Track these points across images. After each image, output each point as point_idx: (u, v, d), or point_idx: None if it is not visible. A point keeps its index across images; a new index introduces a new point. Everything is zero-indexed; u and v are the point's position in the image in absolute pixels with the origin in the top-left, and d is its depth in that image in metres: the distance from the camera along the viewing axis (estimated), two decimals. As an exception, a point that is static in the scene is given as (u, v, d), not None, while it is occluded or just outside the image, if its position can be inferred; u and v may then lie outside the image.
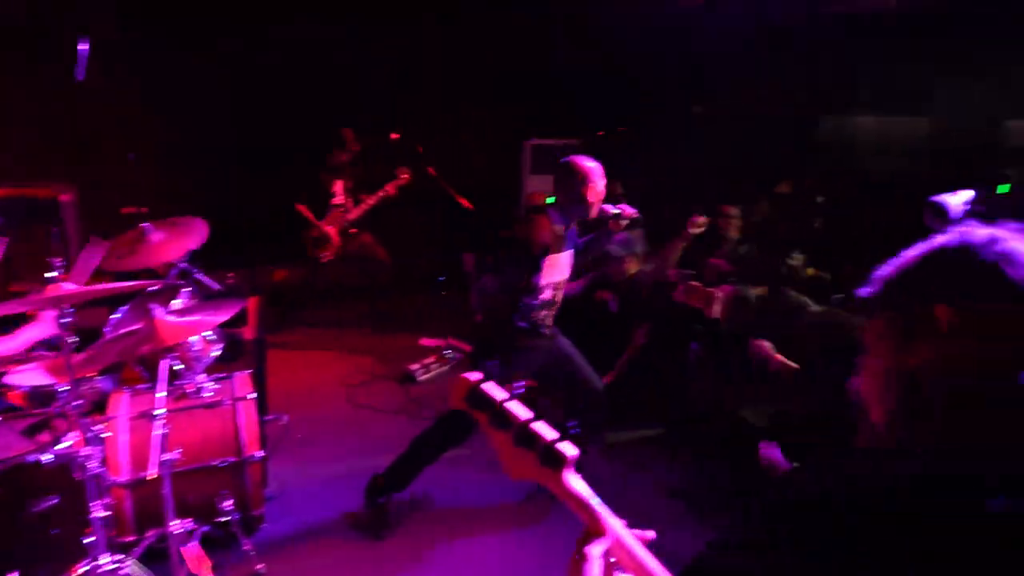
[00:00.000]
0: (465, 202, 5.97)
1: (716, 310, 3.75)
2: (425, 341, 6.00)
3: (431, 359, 5.41)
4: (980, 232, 0.96)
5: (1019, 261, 0.91)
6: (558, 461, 1.10)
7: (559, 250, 3.37)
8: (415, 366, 5.28)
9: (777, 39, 8.16)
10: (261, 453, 3.07)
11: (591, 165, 3.32)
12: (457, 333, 5.87)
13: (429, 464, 3.48)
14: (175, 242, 3.33)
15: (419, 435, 3.51)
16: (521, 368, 3.55)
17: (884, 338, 0.99)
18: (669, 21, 7.21)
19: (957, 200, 1.44)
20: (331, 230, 5.95)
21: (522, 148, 7.48)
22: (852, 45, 8.67)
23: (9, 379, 2.90)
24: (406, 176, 6.00)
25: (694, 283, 3.97)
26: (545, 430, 1.12)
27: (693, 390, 4.26)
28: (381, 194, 6.01)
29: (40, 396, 3.00)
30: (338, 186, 6.07)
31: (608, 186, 6.46)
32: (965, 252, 0.94)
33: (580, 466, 1.11)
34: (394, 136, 5.76)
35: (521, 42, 7.29)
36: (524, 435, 1.12)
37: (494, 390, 1.17)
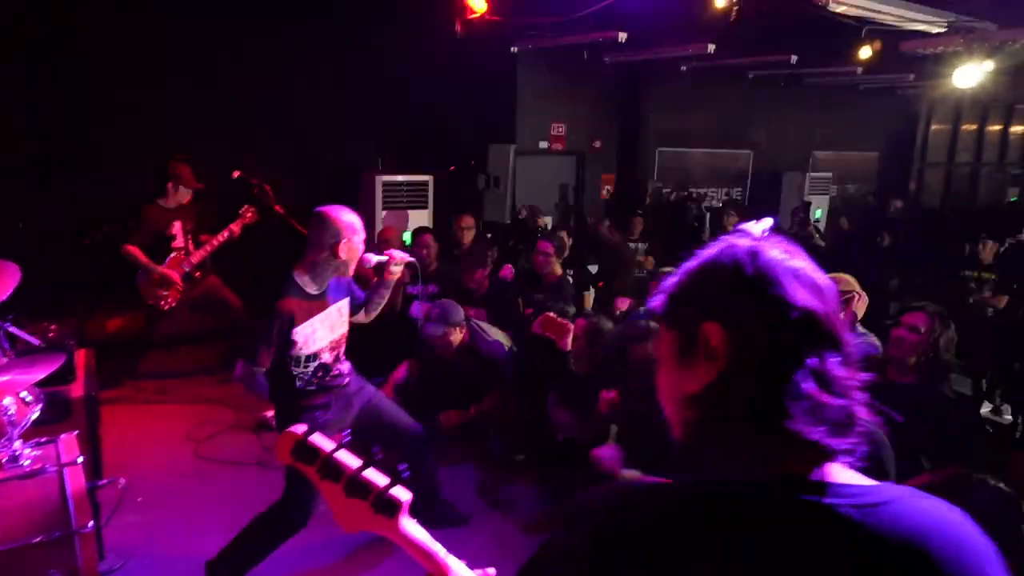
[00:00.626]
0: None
1: (568, 343, 3.81)
2: (280, 386, 5.72)
3: (287, 404, 5.14)
4: (743, 243, 0.95)
5: (777, 277, 0.90)
6: (392, 508, 1.08)
7: (319, 310, 3.06)
8: (270, 412, 4.99)
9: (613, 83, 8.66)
10: (92, 524, 2.76)
11: (348, 219, 3.03)
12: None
13: (267, 554, 3.11)
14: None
15: (253, 520, 3.14)
16: (332, 421, 3.22)
17: (668, 356, 0.98)
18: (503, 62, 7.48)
19: (759, 228, 1.56)
20: (172, 274, 5.54)
21: (372, 183, 7.41)
22: (679, 88, 9.44)
23: None
24: (251, 214, 5.66)
25: (550, 314, 4.04)
26: (377, 477, 1.10)
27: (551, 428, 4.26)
28: (225, 235, 5.63)
29: None
30: (176, 227, 5.66)
31: (460, 220, 6.56)
32: (730, 267, 0.93)
33: (423, 507, 1.10)
34: (236, 173, 5.45)
35: (369, 79, 7.28)
36: (355, 484, 1.09)
37: (322, 441, 1.13)
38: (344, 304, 3.23)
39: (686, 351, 0.94)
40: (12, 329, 3.19)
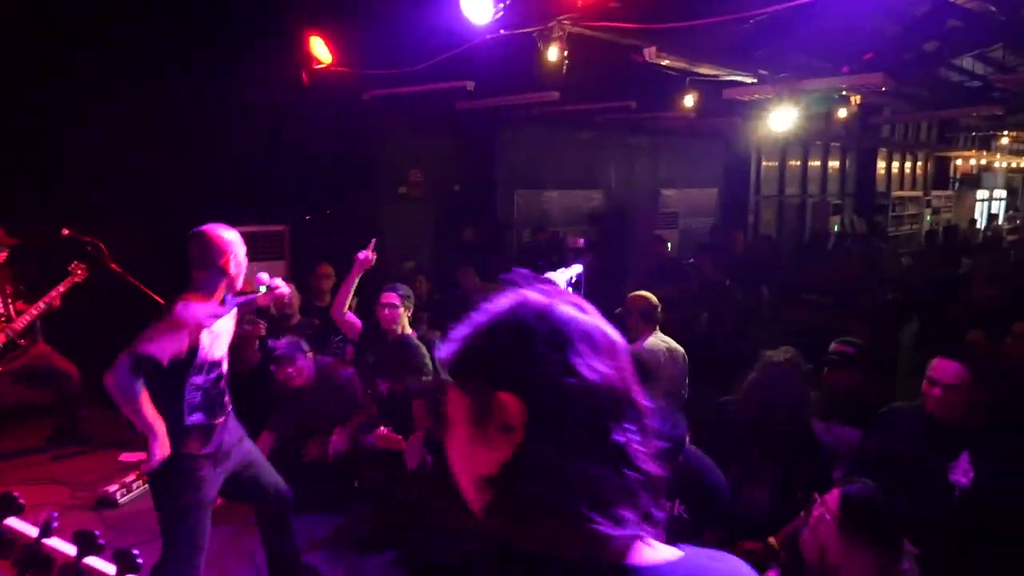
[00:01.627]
0: (158, 297, 5.44)
1: (410, 462, 3.70)
2: (126, 456, 5.32)
3: (132, 476, 4.79)
4: (535, 301, 0.91)
5: (572, 342, 0.86)
6: None
7: (214, 327, 3.03)
8: (112, 487, 4.63)
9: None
10: None
11: (229, 236, 3.10)
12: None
13: None
14: None
15: None
16: (211, 476, 3.05)
17: (461, 421, 0.91)
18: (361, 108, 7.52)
19: (564, 276, 1.67)
20: None
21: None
22: (532, 133, 9.84)
23: None
24: (81, 272, 5.23)
25: (383, 430, 3.95)
26: (102, 566, 0.94)
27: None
28: (49, 299, 5.16)
29: None
30: (-8, 291, 5.18)
31: (319, 269, 6.45)
32: (523, 329, 0.88)
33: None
34: (65, 231, 5.06)
35: (217, 128, 7.06)
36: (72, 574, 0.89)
37: (23, 526, 0.96)
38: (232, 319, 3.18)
39: (480, 419, 0.88)
40: None
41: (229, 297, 3.16)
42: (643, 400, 0.89)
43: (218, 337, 3.05)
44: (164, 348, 2.81)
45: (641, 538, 0.86)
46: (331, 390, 4.60)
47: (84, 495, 4.70)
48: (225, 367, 3.14)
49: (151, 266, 5.72)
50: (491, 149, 9.60)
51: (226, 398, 3.16)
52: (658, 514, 0.86)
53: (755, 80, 5.90)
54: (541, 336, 0.86)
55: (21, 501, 0.95)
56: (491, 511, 0.87)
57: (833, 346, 3.64)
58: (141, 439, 5.35)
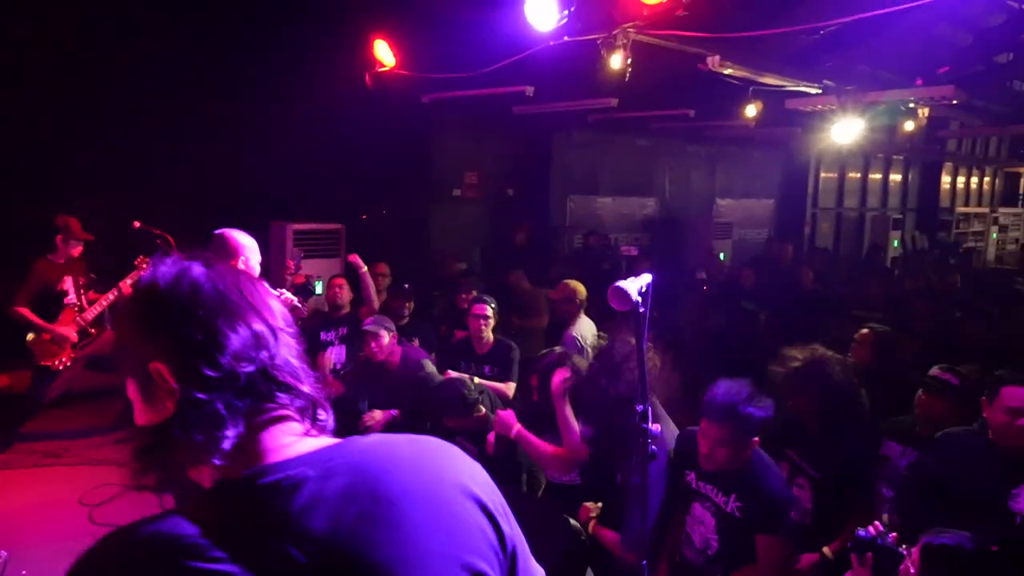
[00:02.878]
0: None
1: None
2: (184, 442, 5.50)
3: (191, 462, 4.95)
4: (171, 268, 1.00)
5: (205, 302, 0.98)
6: None
7: None
8: (173, 472, 4.79)
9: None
10: (-29, 600, 2.59)
11: (245, 240, 3.19)
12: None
13: None
14: None
15: None
16: None
17: (137, 400, 1.02)
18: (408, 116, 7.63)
19: (636, 285, 1.66)
20: (69, 333, 5.28)
21: (283, 232, 7.35)
22: (588, 139, 9.84)
23: None
24: (147, 266, 5.45)
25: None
26: None
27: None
28: (117, 290, 5.37)
29: None
30: (67, 282, 5.40)
31: (375, 268, 6.57)
32: (159, 302, 0.98)
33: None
34: (137, 224, 5.27)
35: (282, 130, 7.26)
36: None
37: None
38: None
39: (148, 395, 0.98)
40: None
41: None
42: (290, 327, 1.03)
43: None
44: None
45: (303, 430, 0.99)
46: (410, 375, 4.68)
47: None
48: None
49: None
50: (546, 153, 9.63)
51: None
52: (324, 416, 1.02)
53: (820, 91, 5.79)
54: (180, 303, 0.97)
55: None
56: (142, 454, 0.99)
57: (935, 371, 3.45)
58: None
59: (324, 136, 7.25)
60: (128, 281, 5.45)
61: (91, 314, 5.39)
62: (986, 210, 16.67)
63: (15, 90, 6.09)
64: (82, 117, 6.39)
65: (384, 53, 5.99)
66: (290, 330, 1.04)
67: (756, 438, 2.59)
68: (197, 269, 1.01)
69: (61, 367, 5.26)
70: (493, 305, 4.91)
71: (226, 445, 0.93)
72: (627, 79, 4.26)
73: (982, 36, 8.59)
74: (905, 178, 15.59)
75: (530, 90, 6.44)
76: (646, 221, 11.28)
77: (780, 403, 3.10)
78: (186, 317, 0.96)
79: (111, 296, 5.43)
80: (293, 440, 0.98)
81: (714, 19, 4.34)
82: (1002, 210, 17.19)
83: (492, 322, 4.85)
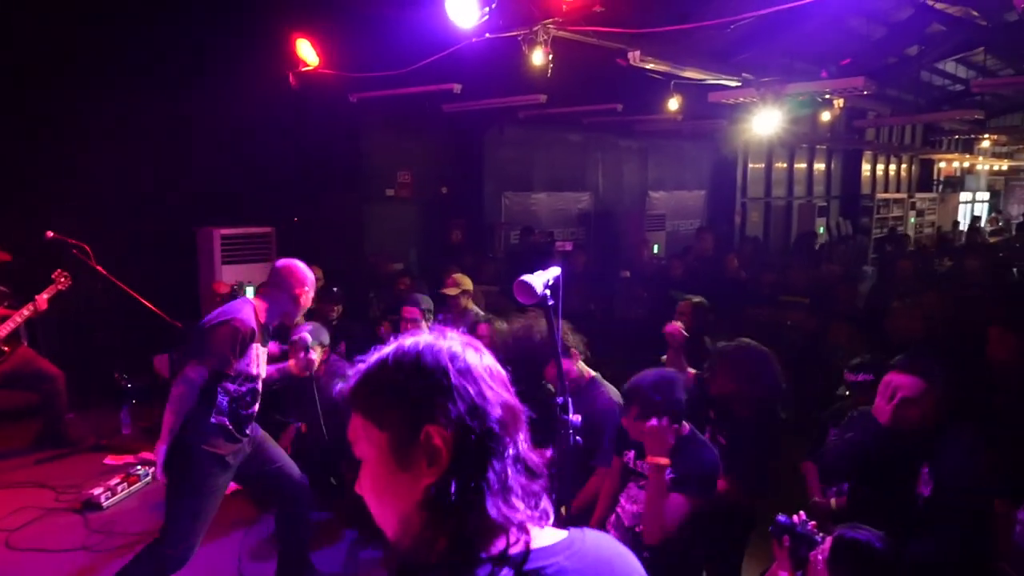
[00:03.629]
0: (145, 302, 5.42)
1: None
2: (111, 459, 5.31)
3: (117, 479, 4.78)
4: (441, 345, 1.05)
5: (477, 380, 1.02)
6: None
7: (264, 343, 3.32)
8: (97, 490, 4.61)
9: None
10: None
11: (312, 275, 3.38)
12: (150, 446, 5.29)
13: None
14: None
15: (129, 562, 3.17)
16: (225, 473, 3.25)
17: (379, 455, 1.03)
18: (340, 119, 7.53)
19: (541, 279, 1.69)
20: None
21: (210, 238, 7.14)
22: (520, 135, 9.87)
23: None
24: (65, 280, 5.24)
25: None
26: None
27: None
28: (32, 306, 5.14)
29: None
30: (-23, 299, 5.15)
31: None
32: (437, 371, 1.02)
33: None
34: (49, 234, 5.04)
35: (205, 132, 7.04)
36: None
37: None
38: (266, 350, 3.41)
39: (403, 452, 1.01)
40: None
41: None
42: (525, 417, 1.08)
43: (260, 356, 3.29)
44: (227, 359, 3.10)
45: (536, 523, 1.03)
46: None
47: (69, 498, 4.68)
48: (259, 387, 3.35)
49: (137, 266, 5.75)
50: (479, 151, 9.62)
51: (253, 417, 3.36)
52: (547, 505, 1.05)
53: (739, 84, 5.94)
54: (453, 376, 1.02)
55: None
56: (420, 530, 0.99)
57: (848, 376, 3.63)
58: (120, 443, 5.41)
59: (251, 138, 7.08)
60: (44, 296, 5.21)
61: (4, 331, 5.14)
62: (904, 196, 17.43)
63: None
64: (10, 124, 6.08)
65: (307, 52, 5.87)
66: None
67: (681, 420, 2.68)
68: (457, 344, 1.07)
69: (-28, 387, 5.00)
70: (425, 305, 4.88)
71: (491, 517, 0.97)
72: (549, 75, 4.29)
73: (893, 29, 8.99)
74: (828, 167, 16.17)
75: (457, 87, 6.42)
76: (581, 215, 11.39)
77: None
78: (457, 387, 1.01)
79: (26, 312, 5.18)
80: (534, 527, 1.02)
81: (634, 15, 4.41)
82: (919, 195, 17.99)
83: (424, 323, 4.78)
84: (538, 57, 4.23)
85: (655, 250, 11.16)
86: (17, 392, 5.67)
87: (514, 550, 0.98)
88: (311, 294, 3.38)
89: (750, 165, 13.99)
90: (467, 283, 5.53)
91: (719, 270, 8.44)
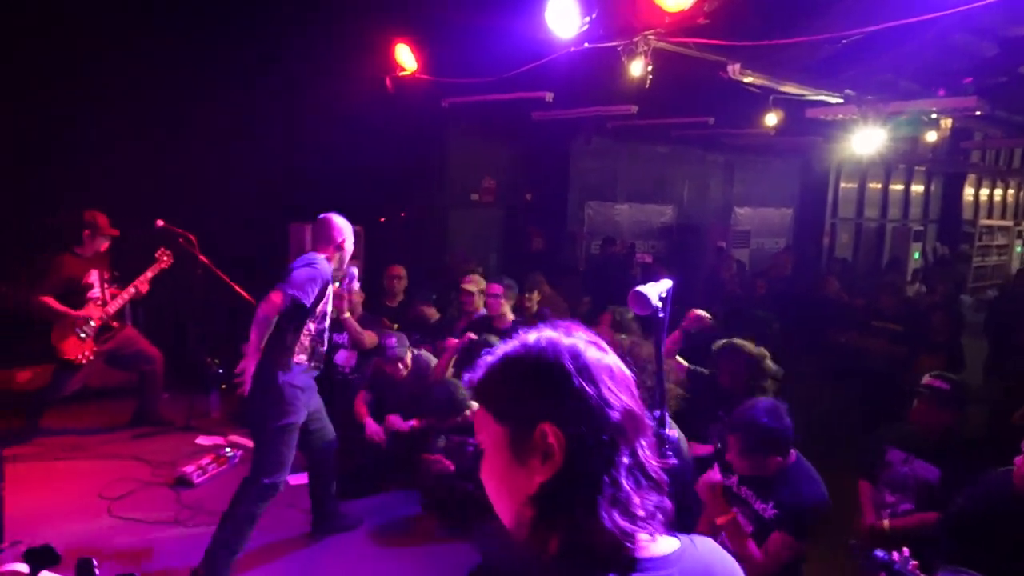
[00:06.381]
0: (240, 289, 5.69)
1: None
2: (203, 439, 5.56)
3: (208, 459, 5.01)
4: (565, 344, 1.03)
5: (598, 380, 1.00)
6: None
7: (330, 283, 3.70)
8: (190, 468, 4.85)
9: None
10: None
11: (345, 222, 3.82)
12: (238, 429, 5.53)
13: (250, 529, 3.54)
14: None
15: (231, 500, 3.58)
16: (301, 408, 3.64)
17: (497, 448, 1.04)
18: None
19: (656, 290, 1.68)
20: (92, 314, 5.37)
21: (301, 233, 7.39)
22: (606, 145, 9.84)
23: None
24: (167, 258, 5.58)
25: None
26: None
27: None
28: (137, 283, 5.50)
29: None
30: (93, 276, 5.49)
31: (391, 270, 6.62)
32: (557, 368, 1.01)
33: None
34: (160, 223, 5.36)
35: (302, 131, 7.33)
36: None
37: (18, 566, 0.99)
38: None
39: (519, 447, 1.01)
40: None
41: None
42: (649, 423, 1.05)
43: (331, 295, 3.70)
44: (309, 293, 3.46)
45: (650, 532, 1.00)
46: (425, 384, 4.86)
47: (163, 473, 4.93)
48: (328, 324, 3.74)
49: (234, 257, 6.05)
50: (564, 160, 9.64)
51: (323, 353, 3.77)
52: (664, 511, 1.02)
53: (841, 100, 5.75)
54: (574, 375, 1.00)
55: (58, 552, 1.00)
56: (531, 525, 1.00)
57: (926, 379, 3.48)
58: (210, 425, 5.68)
59: (344, 139, 7.31)
60: (148, 275, 5.55)
61: (113, 308, 5.49)
62: (1010, 223, 16.46)
63: (48, 91, 6.20)
64: (113, 119, 6.49)
65: (405, 57, 6.04)
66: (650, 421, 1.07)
67: (788, 449, 2.66)
68: (581, 342, 1.05)
69: (84, 361, 5.34)
70: (508, 283, 5.42)
71: (601, 523, 0.96)
72: (647, 86, 4.26)
73: (1006, 46, 8.49)
74: (927, 189, 15.44)
75: (549, 96, 6.46)
76: (663, 229, 11.25)
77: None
78: (575, 387, 0.99)
79: (131, 291, 5.52)
80: (647, 536, 1.00)
81: (735, 27, 4.33)
82: (1026, 223, 16.98)
83: (506, 301, 5.35)
84: (637, 68, 4.21)
85: (735, 267, 10.90)
86: (117, 371, 6.01)
87: (625, 556, 0.97)
88: (351, 240, 3.84)
89: (842, 184, 13.51)
90: (483, 283, 5.73)
91: (804, 292, 8.18)
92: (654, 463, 1.03)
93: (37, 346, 5.45)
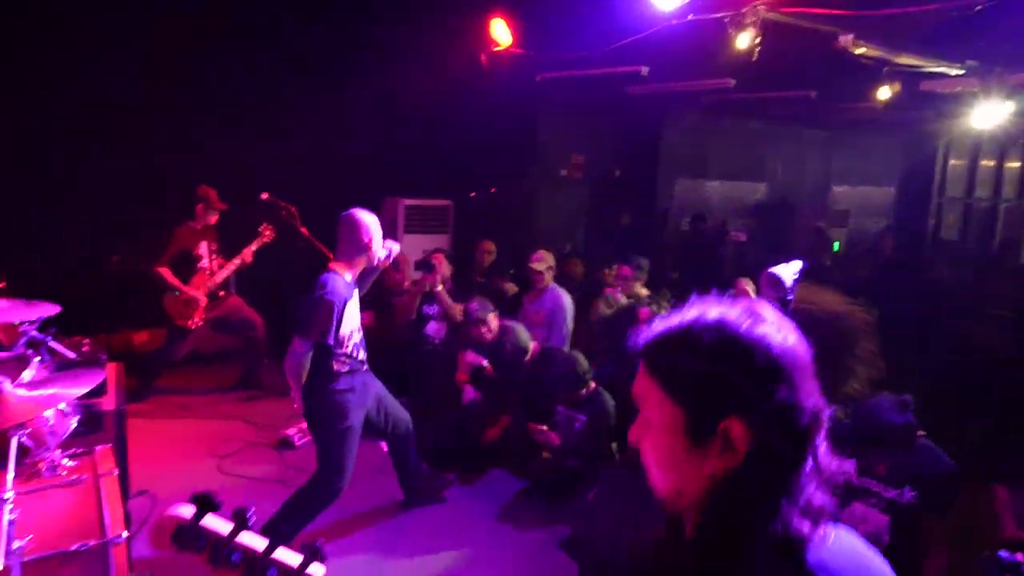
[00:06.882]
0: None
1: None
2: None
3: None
4: (754, 325, 0.95)
5: (790, 373, 0.93)
6: None
7: (351, 296, 3.66)
8: (292, 431, 5.09)
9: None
10: (126, 534, 2.84)
11: (372, 219, 3.66)
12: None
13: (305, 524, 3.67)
14: (17, 309, 3.10)
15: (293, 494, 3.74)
16: (357, 403, 3.72)
17: (671, 429, 0.98)
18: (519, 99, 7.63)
19: (789, 271, 1.63)
20: (199, 295, 5.68)
21: (395, 208, 7.56)
22: (698, 120, 9.57)
23: None
24: (269, 233, 5.84)
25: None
26: (289, 557, 0.99)
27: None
28: (242, 256, 5.80)
29: None
30: (203, 247, 5.81)
31: (482, 245, 6.67)
32: (746, 355, 0.93)
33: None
34: (265, 196, 5.59)
35: (395, 106, 7.44)
36: (259, 569, 0.98)
37: (218, 523, 1.03)
38: (356, 297, 3.80)
39: (698, 435, 0.95)
40: (54, 344, 3.29)
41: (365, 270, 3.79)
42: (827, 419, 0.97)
43: (354, 313, 3.69)
44: (328, 328, 3.45)
45: (823, 531, 0.95)
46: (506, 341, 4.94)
47: (267, 435, 5.20)
48: (359, 335, 3.75)
49: (330, 229, 6.22)
50: (656, 136, 9.44)
51: (363, 353, 3.80)
52: (833, 507, 0.96)
53: (963, 72, 5.38)
54: (767, 368, 0.93)
55: (219, 500, 1.05)
56: (696, 506, 0.96)
57: None
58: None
59: (437, 114, 7.39)
60: (252, 248, 5.81)
61: (220, 278, 5.78)
62: None
63: (174, 75, 6.52)
64: (221, 100, 6.77)
65: (500, 32, 6.02)
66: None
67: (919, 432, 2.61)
68: (770, 325, 0.97)
69: (194, 327, 5.66)
70: (636, 262, 5.66)
71: (780, 519, 0.91)
72: (754, 59, 4.11)
73: None
74: (1047, 168, 14.33)
75: (645, 70, 6.32)
76: (755, 206, 10.89)
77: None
78: (767, 380, 0.93)
79: (237, 262, 5.80)
80: (818, 536, 0.95)
81: (849, -5, 4.11)
82: None
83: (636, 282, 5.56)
84: (744, 40, 4.07)
85: (835, 248, 10.47)
86: (223, 336, 6.34)
87: (797, 554, 0.92)
88: (379, 236, 3.67)
89: (951, 161, 12.68)
90: (552, 260, 5.70)
91: (908, 276, 7.78)
92: (832, 464, 0.97)
93: (152, 311, 5.81)
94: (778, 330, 0.96)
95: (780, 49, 4.75)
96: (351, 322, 3.66)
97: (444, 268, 5.85)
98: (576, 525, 3.79)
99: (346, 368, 3.64)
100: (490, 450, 4.81)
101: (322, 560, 0.99)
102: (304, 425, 5.18)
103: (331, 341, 3.50)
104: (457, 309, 5.52)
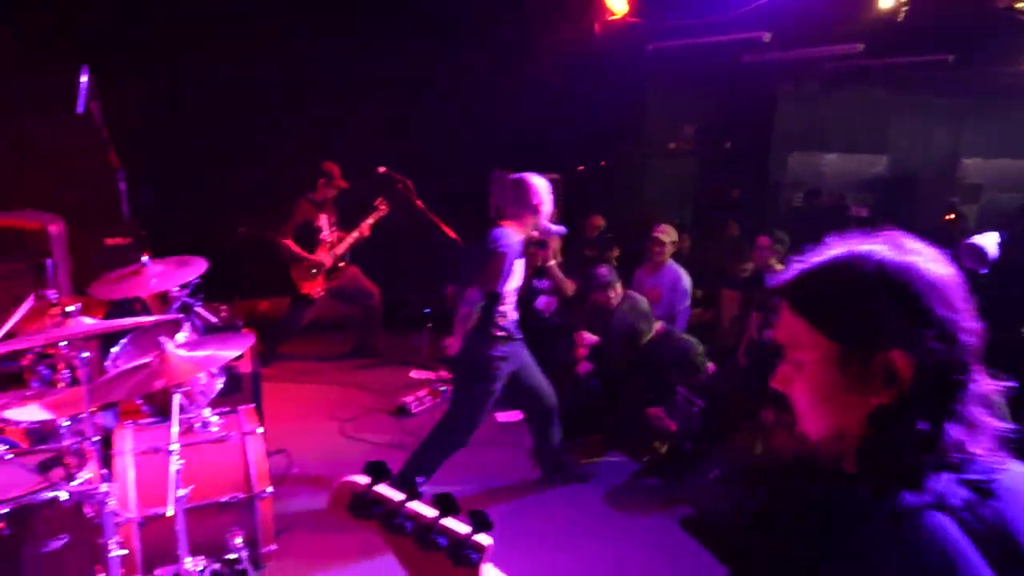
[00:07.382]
0: (453, 234, 5.95)
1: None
2: (416, 373, 5.97)
3: (424, 392, 5.37)
4: (905, 255, 0.94)
5: (950, 300, 0.92)
6: (472, 560, 0.98)
7: (519, 254, 3.71)
8: (409, 399, 5.24)
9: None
10: (271, 489, 3.01)
11: (543, 183, 3.74)
12: (446, 367, 5.86)
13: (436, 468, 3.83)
14: (173, 274, 3.28)
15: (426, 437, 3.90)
16: (503, 376, 3.78)
17: (827, 366, 0.96)
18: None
19: (990, 241, 1.51)
20: (326, 259, 5.95)
21: (501, 179, 7.57)
22: (816, 90, 9.09)
23: (7, 414, 2.80)
24: (384, 208, 6.00)
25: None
26: (457, 526, 1.00)
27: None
28: (360, 228, 6.01)
29: (41, 432, 2.92)
30: (323, 220, 6.02)
31: (592, 220, 6.60)
32: (904, 287, 0.93)
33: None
34: (382, 169, 5.72)
35: (503, 80, 7.43)
36: (430, 536, 0.99)
37: (390, 492, 1.04)
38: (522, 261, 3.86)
39: (858, 368, 0.94)
40: (200, 309, 3.49)
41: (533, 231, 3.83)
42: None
43: (520, 270, 3.76)
44: (501, 281, 3.58)
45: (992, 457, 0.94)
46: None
47: (384, 402, 5.37)
48: (515, 297, 3.82)
49: (442, 202, 6.33)
50: (770, 107, 9.04)
51: (518, 331, 3.85)
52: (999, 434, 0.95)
53: None
54: (928, 297, 0.92)
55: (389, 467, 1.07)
56: (859, 442, 0.95)
57: None
58: (421, 361, 6.03)
59: (547, 87, 7.33)
60: (370, 221, 5.99)
61: (340, 249, 6.00)
62: None
63: (293, 59, 6.77)
64: (341, 80, 6.97)
65: (616, 0, 5.90)
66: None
67: None
68: (921, 256, 0.97)
69: (317, 296, 5.91)
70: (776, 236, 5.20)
71: (950, 447, 0.92)
72: (900, 19, 3.83)
73: None
74: None
75: (767, 36, 6.04)
76: (874, 180, 10.28)
77: None
78: (926, 309, 0.93)
79: (355, 234, 5.99)
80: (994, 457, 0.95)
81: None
82: None
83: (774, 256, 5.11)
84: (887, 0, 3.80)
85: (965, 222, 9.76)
86: (342, 305, 6.57)
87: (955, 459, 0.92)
88: (548, 200, 3.74)
89: (1103, 130, 11.54)
90: (675, 235, 5.60)
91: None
92: (990, 388, 0.96)
93: (276, 280, 6.09)
94: (927, 257, 0.96)
95: (926, 9, 4.43)
96: (515, 279, 3.74)
97: (555, 243, 5.83)
98: (697, 503, 3.74)
99: (504, 334, 3.73)
100: (606, 428, 4.77)
101: (489, 529, 1.00)
102: (421, 393, 5.33)
103: (500, 290, 3.63)
104: (568, 284, 5.49)
